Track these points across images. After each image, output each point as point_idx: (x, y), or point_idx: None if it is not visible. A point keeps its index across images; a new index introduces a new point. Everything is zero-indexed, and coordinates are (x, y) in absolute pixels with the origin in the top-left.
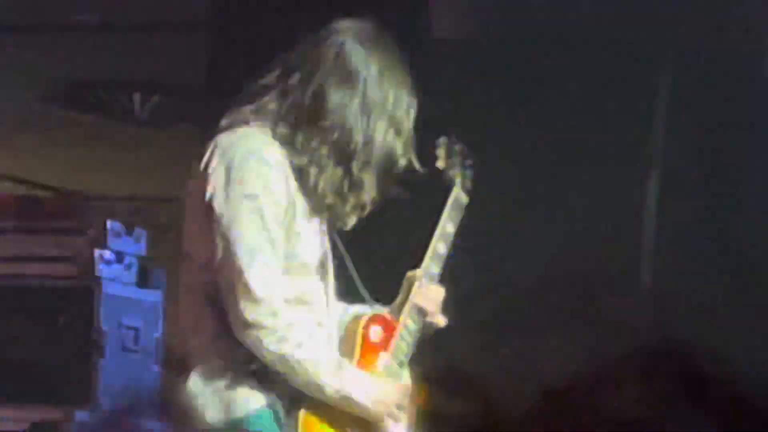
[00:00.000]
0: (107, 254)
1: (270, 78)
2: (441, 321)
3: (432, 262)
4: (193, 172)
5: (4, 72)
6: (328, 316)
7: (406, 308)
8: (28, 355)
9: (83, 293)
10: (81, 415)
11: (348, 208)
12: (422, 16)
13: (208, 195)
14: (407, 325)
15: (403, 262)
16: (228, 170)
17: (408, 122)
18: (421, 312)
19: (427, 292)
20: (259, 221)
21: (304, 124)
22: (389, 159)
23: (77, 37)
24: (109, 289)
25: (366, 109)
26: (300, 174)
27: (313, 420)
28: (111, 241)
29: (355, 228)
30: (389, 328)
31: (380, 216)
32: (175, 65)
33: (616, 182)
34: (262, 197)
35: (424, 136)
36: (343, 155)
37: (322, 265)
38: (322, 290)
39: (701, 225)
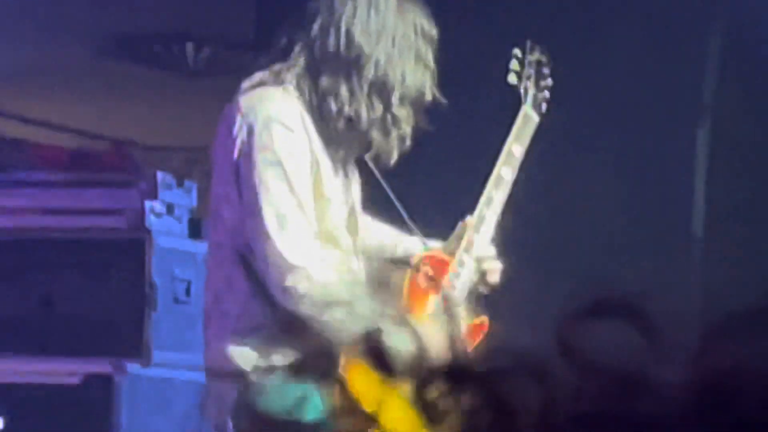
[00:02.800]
0: (158, 206)
1: (290, 34)
2: (489, 287)
3: (491, 197)
4: (217, 134)
5: (58, 25)
6: (358, 268)
7: (460, 249)
8: (79, 308)
9: (134, 246)
10: (133, 368)
11: (392, 141)
12: None
13: (235, 161)
14: (462, 263)
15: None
16: (250, 136)
17: (431, 54)
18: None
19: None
20: (286, 187)
21: (336, 71)
22: (420, 92)
23: None
24: (160, 241)
25: (395, 44)
26: (336, 121)
27: (355, 366)
28: (162, 193)
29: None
30: (441, 269)
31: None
32: (226, 17)
33: (666, 130)
34: (287, 163)
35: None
36: (383, 92)
37: (351, 220)
38: (351, 246)
39: (753, 175)
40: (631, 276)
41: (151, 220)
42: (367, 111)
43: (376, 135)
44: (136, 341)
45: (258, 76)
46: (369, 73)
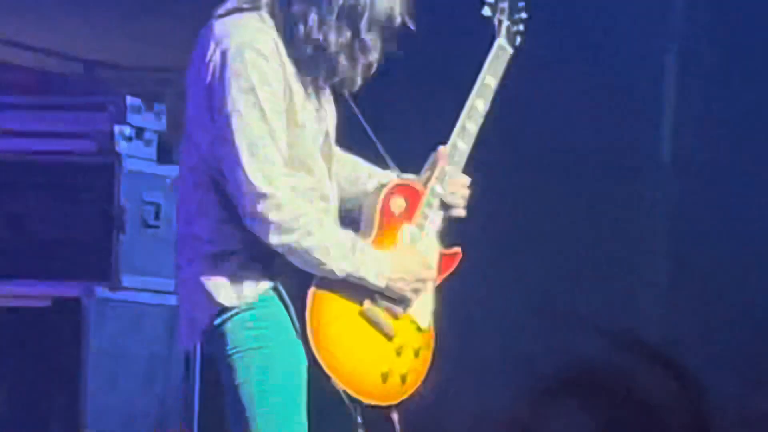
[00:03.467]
0: (127, 130)
1: None
2: (462, 213)
3: (465, 126)
4: (192, 59)
5: None
6: (332, 195)
7: (433, 178)
8: (48, 231)
9: (103, 169)
10: (102, 291)
11: (359, 69)
12: None
13: (207, 89)
14: (435, 192)
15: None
16: (224, 62)
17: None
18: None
19: (452, 181)
20: (258, 114)
21: (312, 11)
22: (390, 17)
23: None
24: (129, 164)
25: None
26: (305, 46)
27: (326, 296)
28: (131, 116)
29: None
30: (414, 197)
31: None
32: None
33: (634, 57)
34: (260, 90)
35: None
36: (351, 18)
37: (325, 147)
38: (326, 172)
39: (720, 101)
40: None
41: (120, 143)
42: (336, 36)
43: (342, 61)
44: (105, 265)
45: (233, 1)
46: (335, 8)
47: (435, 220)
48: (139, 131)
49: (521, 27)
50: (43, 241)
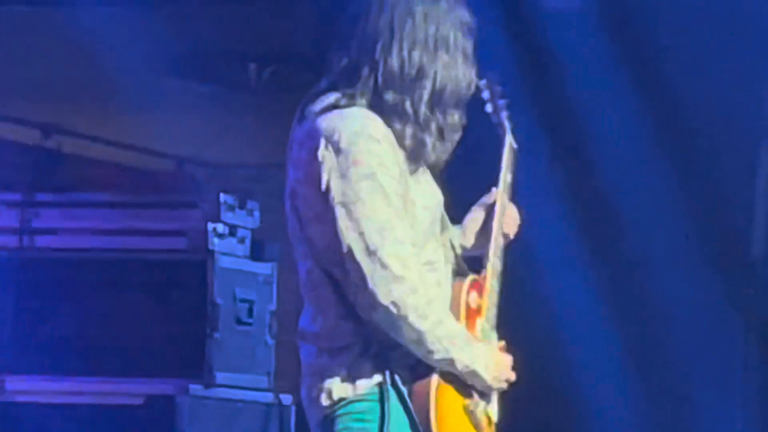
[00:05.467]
0: (220, 227)
1: (351, 55)
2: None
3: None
4: (294, 161)
5: (123, 44)
6: (446, 276)
7: (489, 266)
8: (142, 329)
9: (197, 267)
10: (196, 389)
11: (449, 148)
12: None
13: (324, 183)
14: (493, 287)
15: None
16: (338, 155)
17: (472, 46)
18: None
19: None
20: (382, 198)
21: (400, 89)
22: (468, 90)
23: (193, 8)
24: (222, 262)
25: (449, 51)
26: (404, 136)
27: (445, 387)
28: (224, 214)
29: None
30: (481, 292)
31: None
32: (288, 35)
33: (728, 150)
34: (380, 175)
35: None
36: (440, 100)
37: (436, 225)
38: (441, 252)
39: None
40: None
41: (213, 241)
42: (431, 120)
43: (437, 143)
44: (199, 362)
45: (330, 99)
46: (428, 85)
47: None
48: (232, 229)
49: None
50: (138, 339)
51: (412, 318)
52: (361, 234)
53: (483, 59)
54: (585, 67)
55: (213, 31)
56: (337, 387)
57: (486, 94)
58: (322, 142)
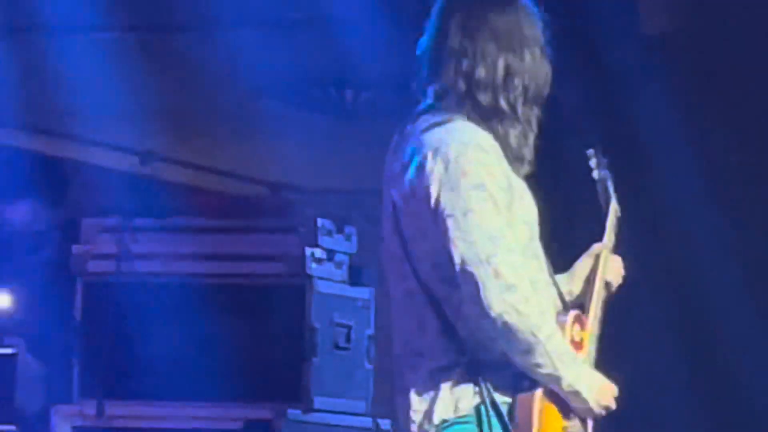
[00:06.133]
0: (318, 252)
1: (438, 76)
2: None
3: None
4: (397, 180)
5: (219, 70)
6: (548, 293)
7: (593, 307)
8: (241, 353)
9: (294, 291)
10: (294, 414)
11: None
12: (630, 11)
13: (433, 196)
14: (594, 329)
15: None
16: (447, 166)
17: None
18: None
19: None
20: (493, 208)
21: (494, 91)
22: (547, 86)
23: (290, 34)
24: (320, 287)
25: (535, 59)
26: (507, 135)
27: (548, 406)
28: (321, 239)
29: None
30: (584, 327)
31: None
32: (384, 62)
33: None
34: (489, 184)
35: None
36: (530, 99)
37: (534, 243)
38: (545, 269)
39: None
40: None
41: (311, 266)
42: (528, 117)
43: (531, 144)
44: (297, 387)
45: (431, 117)
46: (519, 83)
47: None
48: (330, 253)
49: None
50: (236, 363)
51: (524, 327)
52: (473, 243)
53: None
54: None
55: (309, 57)
56: (438, 409)
57: (593, 163)
58: (430, 155)
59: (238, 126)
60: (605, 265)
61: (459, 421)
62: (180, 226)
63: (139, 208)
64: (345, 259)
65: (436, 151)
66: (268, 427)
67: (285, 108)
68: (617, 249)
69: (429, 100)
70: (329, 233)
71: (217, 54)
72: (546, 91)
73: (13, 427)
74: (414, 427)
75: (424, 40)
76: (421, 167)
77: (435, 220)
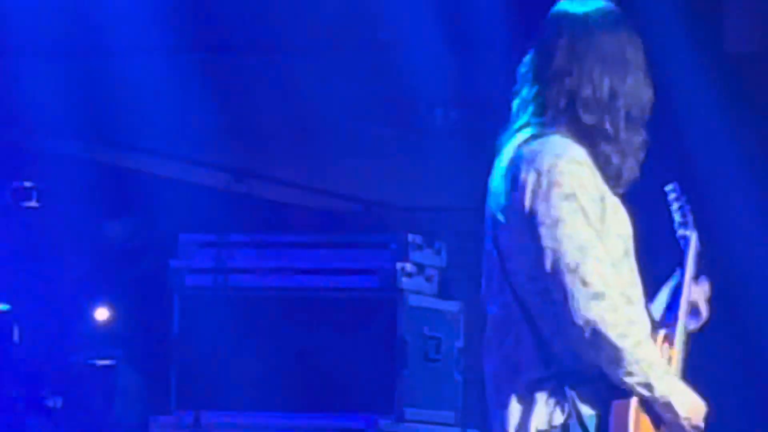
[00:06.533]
0: (408, 266)
1: (539, 92)
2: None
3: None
4: (496, 193)
5: (311, 89)
6: (641, 308)
7: (680, 326)
8: (334, 365)
9: (386, 304)
10: (386, 424)
11: (637, 170)
12: (714, 28)
13: (527, 207)
14: (680, 346)
15: None
16: (540, 177)
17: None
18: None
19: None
20: (582, 218)
21: (598, 112)
22: (649, 110)
23: (381, 54)
24: (411, 300)
25: (637, 82)
26: (608, 156)
27: (642, 416)
28: (412, 253)
29: None
30: (672, 344)
31: None
32: (473, 80)
33: None
34: (580, 195)
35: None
36: (633, 121)
37: (631, 252)
38: (635, 275)
39: None
40: None
41: (402, 280)
42: (630, 141)
43: (633, 163)
44: (389, 398)
45: (528, 131)
46: (622, 105)
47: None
48: (420, 267)
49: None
50: (329, 374)
51: (612, 335)
52: (563, 252)
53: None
54: None
55: (400, 76)
56: (533, 420)
57: (672, 201)
58: (524, 167)
59: (331, 145)
60: (688, 290)
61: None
62: (276, 242)
63: (234, 224)
64: (435, 273)
65: (530, 163)
66: None
67: (376, 127)
68: (697, 279)
69: (527, 117)
70: (419, 248)
71: (312, 75)
72: (647, 113)
73: None
74: None
75: (528, 59)
76: (516, 179)
77: (529, 230)
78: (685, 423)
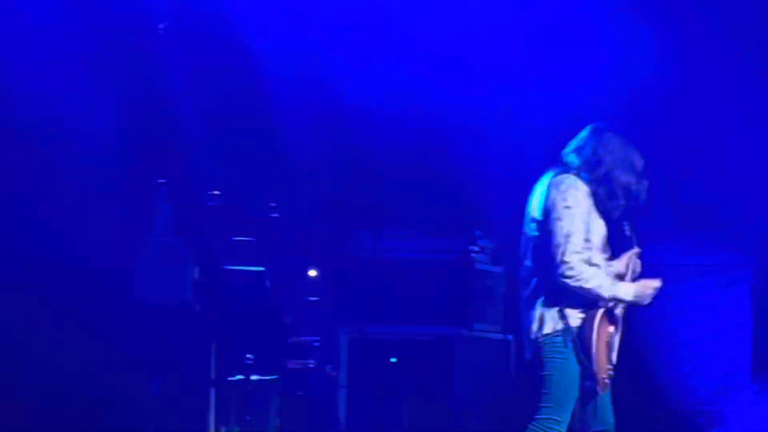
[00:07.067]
0: (476, 248)
1: (576, 153)
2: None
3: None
4: (533, 202)
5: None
6: (605, 266)
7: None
8: (435, 299)
9: (465, 266)
10: (463, 332)
11: (618, 211)
12: None
13: (548, 209)
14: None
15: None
16: (556, 195)
17: (642, 179)
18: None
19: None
20: (572, 220)
21: (602, 176)
22: (640, 195)
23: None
24: (477, 265)
25: (635, 171)
26: (598, 196)
27: (604, 318)
28: (478, 240)
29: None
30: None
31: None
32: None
33: None
34: (575, 207)
35: None
36: (623, 188)
37: (605, 249)
38: (604, 256)
39: None
40: None
41: (472, 255)
42: (618, 201)
43: (616, 208)
44: (465, 317)
45: (559, 173)
46: (618, 180)
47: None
48: (482, 247)
49: None
50: (432, 303)
51: (572, 281)
52: (557, 236)
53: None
54: None
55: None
56: (546, 327)
57: (626, 229)
58: (552, 189)
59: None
60: (632, 264)
61: (557, 334)
62: (404, 234)
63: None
64: (489, 249)
65: (556, 186)
66: (451, 339)
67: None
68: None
69: (561, 166)
70: (480, 237)
71: None
72: (630, 199)
73: None
74: (531, 335)
75: (574, 141)
76: (547, 199)
77: (547, 222)
78: (638, 300)
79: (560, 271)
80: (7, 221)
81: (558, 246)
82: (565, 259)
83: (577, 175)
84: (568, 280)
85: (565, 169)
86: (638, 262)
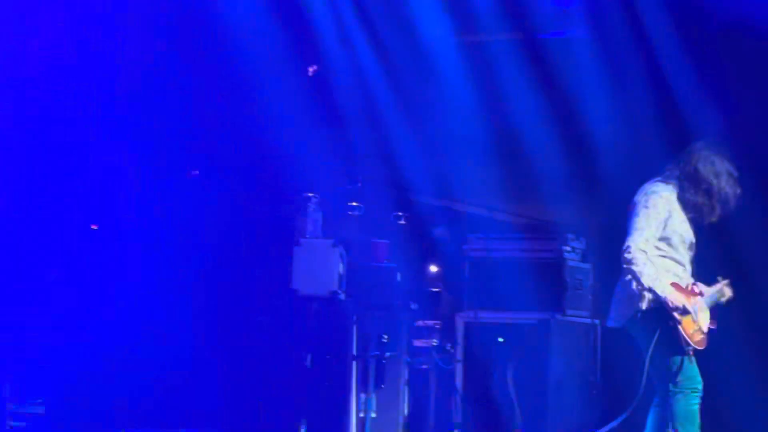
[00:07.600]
0: (568, 248)
1: (674, 164)
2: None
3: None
4: (631, 211)
5: None
6: (684, 269)
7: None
8: (534, 289)
9: (559, 263)
10: (557, 317)
11: (707, 219)
12: None
13: (634, 209)
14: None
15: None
16: (640, 198)
17: (735, 189)
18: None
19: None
20: (646, 217)
21: (692, 186)
22: (729, 204)
23: None
24: (569, 262)
25: (727, 183)
26: (686, 203)
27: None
28: (570, 242)
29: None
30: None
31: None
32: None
33: None
34: (651, 208)
35: None
36: (720, 201)
37: (690, 247)
38: (688, 257)
39: None
40: None
41: (565, 254)
42: (723, 204)
43: (703, 215)
44: (560, 304)
45: (654, 180)
46: (704, 187)
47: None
48: (573, 248)
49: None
50: (531, 292)
51: (631, 268)
52: (631, 228)
53: None
54: None
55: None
56: (642, 305)
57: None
58: (641, 194)
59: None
60: (722, 290)
61: (646, 309)
62: (514, 237)
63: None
64: (580, 249)
65: (644, 190)
66: (547, 322)
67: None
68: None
69: (659, 176)
70: (572, 239)
71: None
72: (728, 207)
73: None
74: (614, 315)
75: (675, 157)
76: (635, 200)
77: (631, 216)
78: (674, 306)
79: (623, 255)
80: (191, 229)
81: (628, 235)
82: (628, 244)
83: (672, 183)
84: (624, 264)
85: (663, 179)
86: (728, 290)
